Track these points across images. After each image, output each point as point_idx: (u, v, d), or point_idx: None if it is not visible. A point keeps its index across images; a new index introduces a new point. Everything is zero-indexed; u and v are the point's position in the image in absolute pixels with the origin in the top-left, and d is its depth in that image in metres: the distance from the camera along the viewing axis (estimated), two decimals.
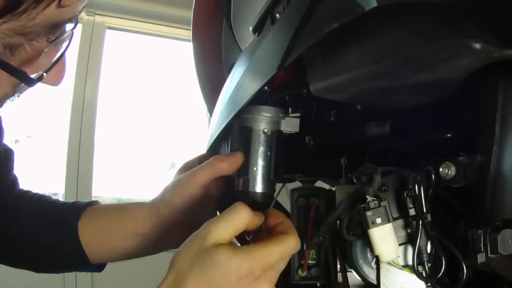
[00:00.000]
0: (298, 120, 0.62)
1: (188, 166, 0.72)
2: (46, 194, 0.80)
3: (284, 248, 0.49)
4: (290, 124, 0.62)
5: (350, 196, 0.53)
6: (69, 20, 0.42)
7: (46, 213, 0.74)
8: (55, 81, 0.46)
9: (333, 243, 0.57)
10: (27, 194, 0.76)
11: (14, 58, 0.40)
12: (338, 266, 0.58)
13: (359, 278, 0.56)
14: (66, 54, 0.46)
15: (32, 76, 0.43)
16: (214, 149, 0.72)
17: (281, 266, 0.50)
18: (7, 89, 0.43)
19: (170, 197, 0.69)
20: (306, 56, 0.54)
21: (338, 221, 0.54)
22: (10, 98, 0.45)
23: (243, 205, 0.52)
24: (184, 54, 2.66)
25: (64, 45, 0.45)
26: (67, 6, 0.39)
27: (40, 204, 0.75)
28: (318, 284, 0.61)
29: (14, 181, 0.76)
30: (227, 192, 0.69)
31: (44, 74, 0.43)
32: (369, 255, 0.54)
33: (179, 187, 0.68)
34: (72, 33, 0.44)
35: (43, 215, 0.74)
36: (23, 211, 0.73)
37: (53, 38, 0.43)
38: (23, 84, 0.43)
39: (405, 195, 0.50)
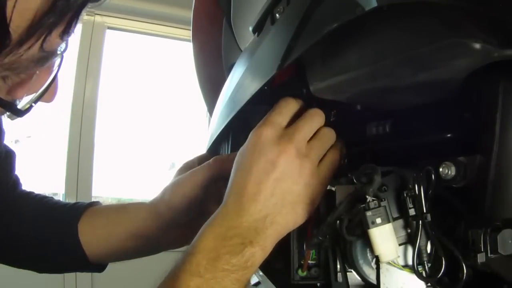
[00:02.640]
0: None
1: (188, 166, 0.72)
2: (47, 195, 0.80)
3: (309, 117, 0.55)
4: None
5: (350, 196, 0.53)
6: (58, 52, 0.42)
7: (47, 214, 0.74)
8: (48, 99, 0.47)
9: (333, 243, 0.57)
10: (29, 195, 0.77)
11: (5, 84, 0.40)
12: (338, 266, 0.58)
13: (359, 278, 0.56)
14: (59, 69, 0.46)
15: (22, 105, 0.43)
16: (214, 149, 0.72)
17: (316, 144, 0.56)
18: None
19: (170, 197, 0.69)
20: (306, 56, 0.54)
21: (338, 221, 0.54)
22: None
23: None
24: (184, 54, 2.66)
25: (56, 64, 0.45)
26: (49, 49, 0.39)
27: (41, 204, 0.76)
28: (318, 284, 0.61)
29: (16, 182, 0.76)
30: None
31: (33, 104, 0.44)
32: (369, 255, 0.54)
33: (179, 187, 0.69)
34: (63, 55, 0.44)
35: (44, 215, 0.74)
36: (24, 212, 0.73)
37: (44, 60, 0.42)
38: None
39: (405, 195, 0.50)
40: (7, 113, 0.44)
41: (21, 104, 0.43)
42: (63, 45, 0.42)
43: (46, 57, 0.40)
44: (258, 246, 0.51)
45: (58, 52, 0.42)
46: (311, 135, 0.55)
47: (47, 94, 0.46)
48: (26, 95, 0.43)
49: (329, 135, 0.57)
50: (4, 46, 0.35)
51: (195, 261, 0.49)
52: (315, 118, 0.56)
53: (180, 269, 0.49)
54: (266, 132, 0.54)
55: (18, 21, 0.34)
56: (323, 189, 0.56)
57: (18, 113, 0.42)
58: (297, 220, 0.54)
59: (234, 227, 0.51)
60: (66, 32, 0.39)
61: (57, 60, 0.45)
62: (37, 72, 0.43)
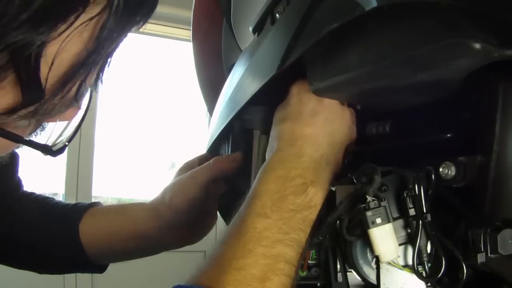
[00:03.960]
0: None
1: (188, 166, 0.72)
2: (48, 195, 0.80)
3: None
4: None
5: (350, 196, 0.53)
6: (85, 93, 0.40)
7: (48, 215, 0.74)
8: (70, 117, 0.44)
9: (333, 243, 0.57)
10: (30, 196, 0.77)
11: (37, 122, 0.40)
12: (338, 266, 0.58)
13: (359, 278, 0.56)
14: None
15: (55, 144, 0.42)
16: (214, 149, 0.72)
17: None
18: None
19: (170, 197, 0.69)
20: (306, 56, 0.54)
21: (338, 221, 0.54)
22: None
23: None
24: (184, 54, 2.66)
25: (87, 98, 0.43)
26: (81, 96, 0.38)
27: (42, 206, 0.76)
28: (318, 284, 0.61)
29: (18, 183, 0.76)
30: (227, 192, 0.69)
31: (67, 143, 0.43)
32: (369, 255, 0.54)
33: (180, 188, 0.69)
34: (92, 91, 0.43)
35: (45, 216, 0.74)
36: (25, 213, 0.73)
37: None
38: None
39: (405, 195, 0.50)
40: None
41: (51, 140, 0.42)
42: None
43: (78, 100, 0.39)
44: (318, 185, 0.52)
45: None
46: None
47: (69, 113, 0.42)
48: (58, 121, 0.41)
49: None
50: (37, 101, 0.34)
51: (259, 203, 0.49)
52: None
53: (245, 212, 0.49)
54: (302, 85, 0.56)
55: (51, 78, 0.33)
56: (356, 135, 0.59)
57: (52, 153, 0.41)
58: (344, 160, 0.56)
59: (295, 168, 0.52)
60: (100, 77, 0.39)
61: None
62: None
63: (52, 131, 0.41)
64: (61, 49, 0.32)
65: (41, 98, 0.34)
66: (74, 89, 0.36)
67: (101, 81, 0.40)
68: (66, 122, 0.42)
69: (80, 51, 0.34)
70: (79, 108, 0.42)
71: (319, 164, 0.53)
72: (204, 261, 0.47)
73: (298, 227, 0.50)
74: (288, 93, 0.57)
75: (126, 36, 0.37)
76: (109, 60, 0.39)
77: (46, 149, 0.41)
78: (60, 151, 0.42)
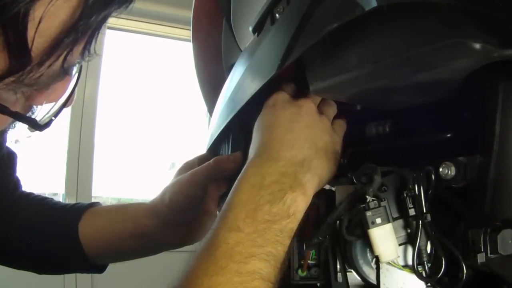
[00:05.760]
0: None
1: (188, 166, 0.72)
2: (47, 196, 0.80)
3: None
4: None
5: (350, 196, 0.53)
6: (74, 67, 0.41)
7: (47, 215, 0.74)
8: (67, 106, 0.45)
9: (333, 243, 0.57)
10: (29, 196, 0.77)
11: (23, 97, 0.40)
12: (338, 266, 0.58)
13: (359, 278, 0.56)
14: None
15: (41, 118, 0.42)
16: (214, 149, 0.72)
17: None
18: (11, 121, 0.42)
19: (170, 197, 0.69)
20: (306, 56, 0.54)
21: (338, 221, 0.54)
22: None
23: None
24: (184, 54, 2.66)
25: (74, 72, 0.44)
26: (69, 65, 0.39)
27: (41, 206, 0.76)
28: (318, 284, 0.61)
29: (16, 183, 0.76)
30: (227, 193, 0.69)
31: (53, 118, 0.43)
32: (369, 255, 0.54)
33: (180, 188, 0.69)
34: (81, 66, 0.43)
35: (44, 217, 0.74)
36: (24, 213, 0.73)
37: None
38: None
39: (405, 195, 0.50)
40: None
41: (39, 116, 0.42)
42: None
43: (65, 72, 0.39)
44: (298, 190, 0.48)
45: (77, 66, 0.42)
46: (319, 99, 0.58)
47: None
48: (45, 103, 0.42)
49: (334, 104, 0.59)
50: (24, 67, 0.34)
51: (232, 215, 0.46)
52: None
53: (218, 226, 0.46)
54: (281, 94, 0.56)
55: (39, 42, 0.33)
56: (341, 147, 0.57)
57: (38, 127, 0.41)
58: (331, 167, 0.54)
59: (271, 174, 0.48)
60: (87, 48, 0.38)
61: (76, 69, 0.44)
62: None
63: (40, 108, 0.41)
64: (48, 12, 0.32)
65: (28, 63, 0.34)
66: (61, 58, 0.36)
67: (89, 54, 0.39)
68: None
69: (67, 17, 0.33)
70: (67, 82, 0.42)
71: (300, 168, 0.50)
72: (177, 277, 0.44)
73: (275, 239, 0.46)
74: (264, 105, 0.56)
75: (116, 7, 0.37)
76: (97, 32, 0.38)
77: (33, 123, 0.40)
78: (47, 125, 0.42)
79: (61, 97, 0.42)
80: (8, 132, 0.45)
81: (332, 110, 0.59)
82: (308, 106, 0.55)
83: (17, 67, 0.33)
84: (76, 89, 0.44)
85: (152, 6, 2.52)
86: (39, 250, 0.73)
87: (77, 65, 0.42)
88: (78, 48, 0.37)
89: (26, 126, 0.42)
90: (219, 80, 0.74)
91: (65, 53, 0.36)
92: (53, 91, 0.41)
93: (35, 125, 0.41)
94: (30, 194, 0.77)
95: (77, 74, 0.43)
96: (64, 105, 0.43)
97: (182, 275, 0.45)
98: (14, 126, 0.44)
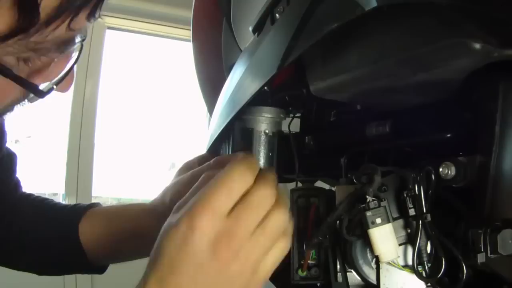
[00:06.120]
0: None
1: (188, 166, 0.72)
2: (47, 196, 0.80)
3: (257, 204, 0.43)
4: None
5: (350, 196, 0.53)
6: (79, 36, 0.42)
7: (47, 216, 0.74)
8: (64, 88, 0.47)
9: (333, 243, 0.57)
10: (29, 197, 0.77)
11: (26, 67, 0.41)
12: (338, 266, 0.58)
13: (359, 278, 0.56)
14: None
15: (42, 87, 0.43)
16: (214, 149, 0.72)
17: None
18: (17, 95, 0.43)
19: (171, 198, 0.69)
20: (306, 56, 0.54)
21: (338, 221, 0.54)
22: (20, 103, 0.45)
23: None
24: (184, 54, 2.66)
25: (74, 55, 0.46)
26: (76, 29, 0.40)
27: (41, 207, 0.76)
28: (318, 284, 0.61)
29: (16, 184, 0.76)
30: None
31: (55, 86, 0.44)
32: (369, 255, 0.54)
33: (180, 188, 0.68)
34: (82, 44, 0.44)
35: (44, 218, 0.74)
36: (24, 214, 0.73)
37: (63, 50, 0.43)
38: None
39: (405, 195, 0.50)
40: (26, 99, 0.44)
41: (40, 87, 0.43)
42: (82, 33, 0.43)
43: (69, 41, 0.41)
44: None
45: (78, 40, 0.43)
46: (256, 226, 0.43)
47: (64, 83, 0.46)
48: (43, 82, 0.43)
49: (280, 221, 0.44)
50: (32, 25, 0.35)
51: None
52: (263, 204, 0.44)
53: None
54: (202, 227, 0.41)
55: (46, 2, 0.34)
56: None
57: (40, 94, 0.42)
58: None
59: None
60: (93, 14, 0.40)
61: (75, 51, 0.45)
62: (56, 60, 0.43)
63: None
64: None
65: (36, 21, 0.35)
66: (66, 22, 0.37)
67: (94, 19, 0.40)
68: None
69: None
70: (65, 62, 0.44)
71: None
72: None
73: None
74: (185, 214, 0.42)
75: None
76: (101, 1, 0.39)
77: (34, 89, 0.42)
78: (48, 92, 0.43)
79: (59, 75, 0.44)
80: (14, 109, 0.45)
81: (266, 245, 0.43)
82: (226, 257, 0.41)
83: (25, 24, 0.35)
84: (73, 71, 0.46)
85: (152, 6, 2.52)
86: (39, 251, 0.73)
87: (77, 44, 0.43)
88: (85, 13, 0.38)
89: (25, 101, 0.43)
90: (219, 80, 0.74)
91: (71, 16, 0.37)
92: (51, 71, 0.43)
93: (37, 91, 0.42)
94: (30, 195, 0.77)
95: (77, 53, 0.44)
96: (63, 78, 0.44)
97: None
98: (21, 102, 0.45)
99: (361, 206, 0.51)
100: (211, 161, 0.67)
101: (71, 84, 0.47)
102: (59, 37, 0.38)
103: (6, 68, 0.38)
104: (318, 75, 0.54)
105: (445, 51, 0.42)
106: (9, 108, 0.44)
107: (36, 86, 0.42)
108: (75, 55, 0.46)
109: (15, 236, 0.72)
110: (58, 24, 0.37)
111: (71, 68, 0.45)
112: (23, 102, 0.45)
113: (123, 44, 2.68)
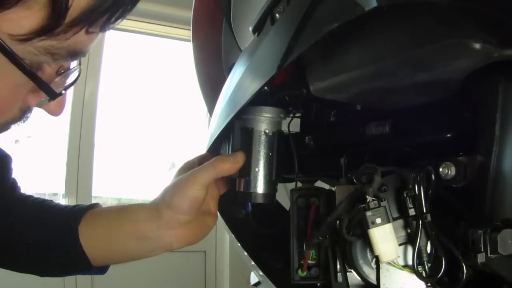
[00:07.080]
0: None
1: (188, 166, 0.72)
2: (47, 196, 0.80)
3: None
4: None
5: (350, 196, 0.53)
6: (84, 52, 0.45)
7: (47, 217, 0.74)
8: (57, 111, 0.49)
9: (333, 243, 0.57)
10: (28, 199, 0.76)
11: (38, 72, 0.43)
12: (338, 266, 0.58)
13: (359, 278, 0.56)
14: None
15: (37, 105, 0.46)
16: (214, 149, 0.72)
17: None
18: (15, 111, 0.46)
19: (171, 198, 0.69)
20: (306, 56, 0.54)
21: (338, 221, 0.54)
22: (18, 122, 0.48)
23: None
24: (184, 54, 2.66)
25: (71, 78, 0.48)
26: (92, 34, 0.42)
27: (41, 208, 0.75)
28: (318, 284, 0.61)
29: (13, 185, 0.76)
30: (228, 193, 0.69)
31: (63, 91, 0.46)
32: (369, 255, 0.54)
33: (180, 188, 0.68)
34: (80, 69, 0.47)
35: (44, 219, 0.74)
36: (24, 215, 0.73)
37: (62, 71, 0.46)
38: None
39: (405, 195, 0.50)
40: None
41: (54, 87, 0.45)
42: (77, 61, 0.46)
43: (78, 53, 0.43)
44: None
45: (72, 68, 0.46)
46: None
47: (56, 106, 0.48)
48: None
49: None
50: (59, 25, 0.37)
51: None
52: None
53: None
54: None
55: (75, 6, 0.37)
56: None
57: (52, 94, 0.44)
58: None
59: None
60: (109, 24, 0.42)
61: (71, 76, 0.47)
62: (56, 80, 0.45)
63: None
64: None
65: (62, 21, 0.37)
66: (85, 28, 0.40)
67: (110, 27, 0.43)
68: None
69: None
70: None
71: None
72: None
73: None
74: None
75: None
76: (129, 7, 0.43)
77: (47, 88, 0.44)
78: (59, 93, 0.46)
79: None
80: (31, 113, 0.48)
81: None
82: None
83: (53, 24, 0.37)
84: (65, 95, 0.48)
85: (152, 6, 2.51)
86: (39, 252, 0.73)
87: (71, 71, 0.46)
88: (103, 20, 0.41)
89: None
90: (219, 80, 0.74)
91: (91, 21, 0.39)
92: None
93: (49, 91, 0.44)
94: (29, 196, 0.77)
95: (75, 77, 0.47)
96: (77, 79, 0.47)
97: None
98: (40, 103, 0.47)
99: (361, 206, 0.51)
100: (211, 160, 0.67)
101: (63, 108, 0.49)
102: (74, 44, 0.40)
103: (21, 60, 0.39)
104: (318, 75, 0.54)
105: (445, 51, 0.42)
106: (5, 126, 0.47)
107: (49, 86, 0.44)
108: (73, 76, 0.48)
109: (15, 238, 0.72)
110: (80, 28, 0.39)
111: (72, 84, 0.47)
112: (19, 121, 0.48)
113: (123, 44, 2.69)
